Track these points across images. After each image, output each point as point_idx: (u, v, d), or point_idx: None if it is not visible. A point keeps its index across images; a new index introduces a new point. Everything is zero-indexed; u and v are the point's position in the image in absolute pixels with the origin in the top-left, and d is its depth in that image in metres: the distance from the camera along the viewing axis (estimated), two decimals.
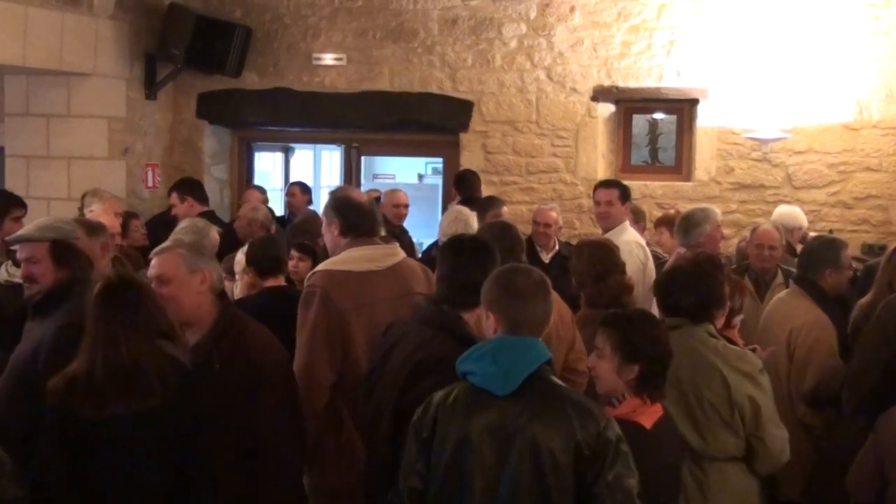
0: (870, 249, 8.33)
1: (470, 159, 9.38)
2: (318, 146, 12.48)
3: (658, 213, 8.51)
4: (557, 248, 7.53)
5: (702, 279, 4.29)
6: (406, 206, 8.55)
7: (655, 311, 4.56)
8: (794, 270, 6.02)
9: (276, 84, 9.72)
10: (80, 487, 3.54)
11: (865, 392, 4.57)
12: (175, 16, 9.14)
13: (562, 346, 4.80)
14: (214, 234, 6.19)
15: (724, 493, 4.09)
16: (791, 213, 7.77)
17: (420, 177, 13.36)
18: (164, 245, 4.28)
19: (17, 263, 5.56)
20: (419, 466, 3.22)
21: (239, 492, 3.82)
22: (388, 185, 10.49)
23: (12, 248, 5.16)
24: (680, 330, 4.15)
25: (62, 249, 4.40)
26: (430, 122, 9.46)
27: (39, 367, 3.88)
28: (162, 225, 7.70)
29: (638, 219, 7.66)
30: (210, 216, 7.46)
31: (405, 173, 13.01)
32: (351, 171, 10.30)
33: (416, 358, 3.62)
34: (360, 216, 4.43)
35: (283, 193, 10.98)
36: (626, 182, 7.24)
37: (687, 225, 6.42)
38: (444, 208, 9.51)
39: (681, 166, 9.21)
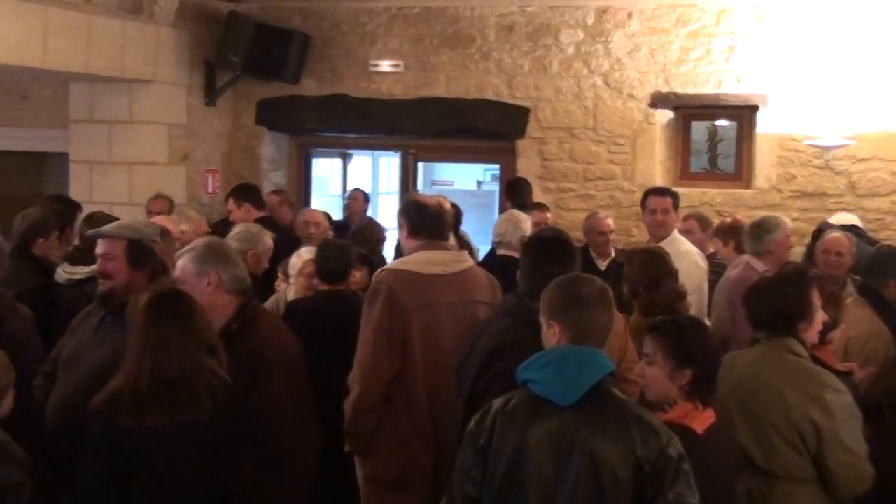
0: None
1: (527, 166, 9.35)
2: (377, 152, 12.52)
3: (717, 222, 8.41)
4: (613, 255, 7.51)
5: (781, 290, 4.18)
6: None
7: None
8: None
9: (334, 90, 9.77)
10: (119, 500, 3.54)
11: None
12: (234, 23, 9.24)
13: (612, 355, 4.75)
14: (268, 238, 6.24)
15: None
16: (845, 219, 7.61)
17: (479, 183, 13.32)
18: (182, 249, 4.43)
19: (72, 263, 5.69)
20: (474, 473, 3.20)
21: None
22: (446, 191, 10.45)
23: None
24: (759, 344, 4.08)
25: (138, 250, 4.45)
26: (487, 128, 9.45)
27: None
28: (222, 232, 7.76)
29: (704, 227, 7.56)
30: (267, 221, 7.52)
31: (464, 179, 12.98)
32: (408, 178, 10.31)
33: (493, 344, 3.89)
34: (426, 218, 4.62)
35: (340, 199, 11.05)
36: (684, 189, 7.18)
37: (759, 231, 6.24)
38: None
39: (741, 173, 9.10)
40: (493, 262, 6.39)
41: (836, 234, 6.44)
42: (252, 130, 10.05)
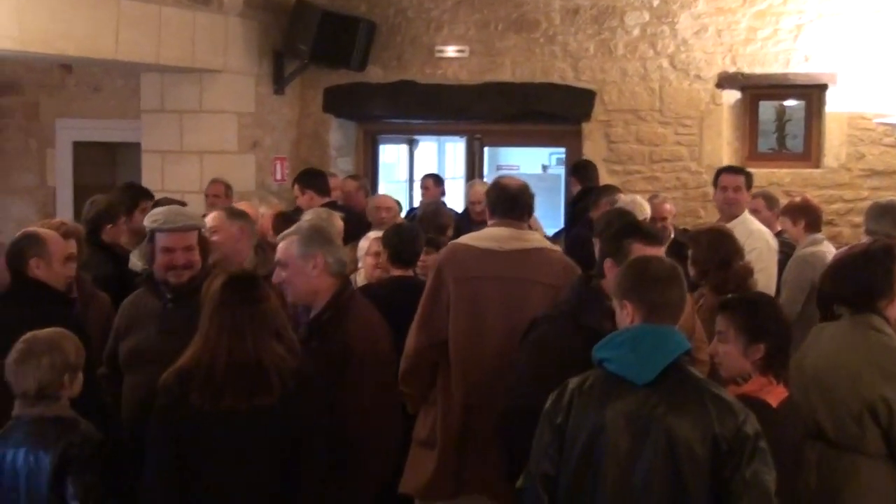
0: None
1: (593, 149, 9.34)
2: (443, 138, 12.56)
3: (785, 202, 8.35)
4: (673, 236, 7.49)
5: (864, 266, 4.12)
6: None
7: None
8: None
9: (400, 77, 9.82)
10: (187, 488, 3.54)
11: None
12: (301, 12, 9.32)
13: None
14: (338, 221, 6.27)
15: (850, 485, 3.95)
16: None
17: (544, 167, 13.30)
18: (285, 232, 4.41)
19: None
20: (552, 452, 3.23)
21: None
22: (512, 175, 10.43)
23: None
24: (840, 320, 4.07)
25: (202, 238, 4.64)
26: (552, 112, 9.44)
27: None
28: (290, 220, 7.83)
29: (771, 206, 7.51)
30: (332, 207, 7.47)
31: (529, 164, 12.95)
32: (474, 163, 10.36)
33: (535, 315, 4.06)
34: (500, 198, 4.75)
35: (407, 185, 11.11)
36: (752, 170, 7.15)
37: (882, 211, 6.06)
38: (566, 198, 9.52)
39: (809, 153, 9.01)
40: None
41: None
42: (319, 118, 10.15)
